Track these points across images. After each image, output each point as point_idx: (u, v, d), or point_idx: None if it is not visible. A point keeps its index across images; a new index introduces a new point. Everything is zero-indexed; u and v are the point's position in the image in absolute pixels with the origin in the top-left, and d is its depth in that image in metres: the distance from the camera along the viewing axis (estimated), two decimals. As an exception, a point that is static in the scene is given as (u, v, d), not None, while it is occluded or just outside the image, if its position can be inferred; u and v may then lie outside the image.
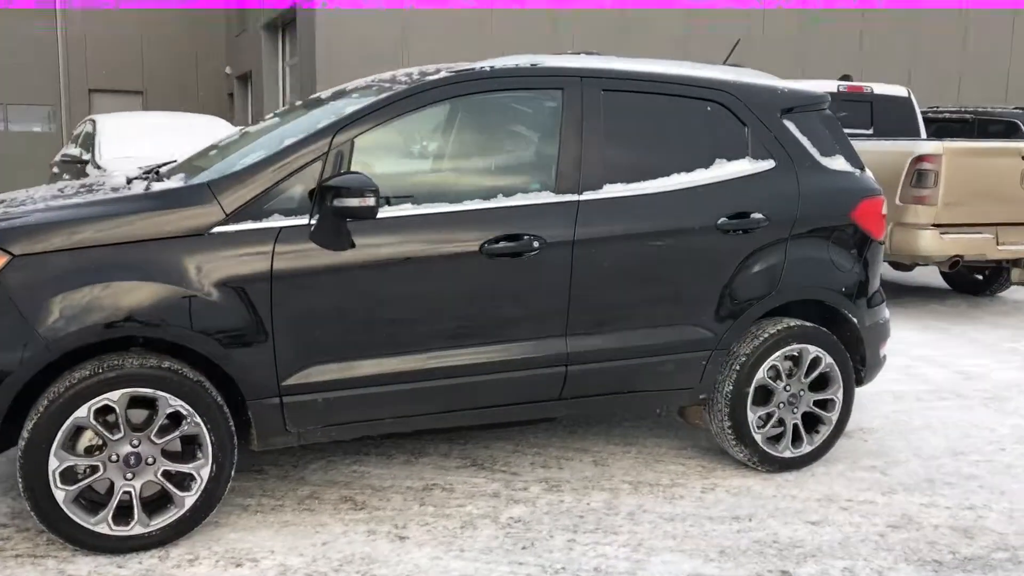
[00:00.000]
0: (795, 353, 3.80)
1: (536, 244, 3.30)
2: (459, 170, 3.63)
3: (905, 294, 8.40)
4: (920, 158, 6.99)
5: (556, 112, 3.45)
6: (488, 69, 3.45)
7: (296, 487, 3.54)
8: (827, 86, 8.91)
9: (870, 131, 9.02)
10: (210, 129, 9.18)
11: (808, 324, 3.81)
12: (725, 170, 3.66)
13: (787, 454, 3.84)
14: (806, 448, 3.87)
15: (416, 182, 3.46)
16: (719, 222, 3.59)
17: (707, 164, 3.65)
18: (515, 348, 3.34)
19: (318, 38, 14.14)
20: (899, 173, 7.08)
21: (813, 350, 3.81)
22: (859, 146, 7.93)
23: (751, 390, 3.73)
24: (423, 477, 3.66)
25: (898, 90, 9.28)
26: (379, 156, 3.35)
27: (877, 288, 4.06)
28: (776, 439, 3.84)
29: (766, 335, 3.73)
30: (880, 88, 9.16)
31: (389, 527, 3.22)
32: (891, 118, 9.12)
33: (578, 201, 3.40)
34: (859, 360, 3.98)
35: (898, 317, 7.11)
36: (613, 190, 3.47)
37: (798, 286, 3.78)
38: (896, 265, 7.90)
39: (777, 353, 3.75)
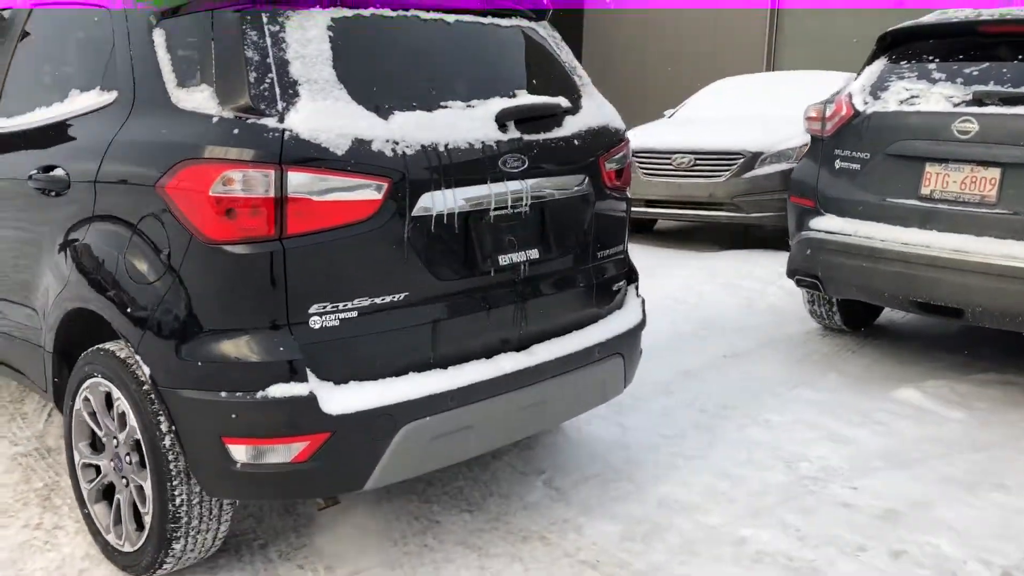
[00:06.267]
0: (104, 392, 2.43)
1: None
2: None
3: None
4: None
5: None
6: None
7: None
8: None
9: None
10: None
11: (112, 348, 2.36)
12: (70, 107, 2.81)
13: (127, 548, 2.51)
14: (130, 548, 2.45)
15: None
16: (31, 174, 2.79)
17: (63, 97, 2.87)
18: None
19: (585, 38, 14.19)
20: None
21: (118, 395, 2.37)
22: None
23: (72, 418, 2.61)
24: None
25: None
26: None
27: (270, 325, 2.15)
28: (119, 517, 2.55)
29: (87, 353, 2.53)
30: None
31: None
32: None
33: None
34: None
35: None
36: None
37: (83, 289, 2.47)
38: None
39: (88, 383, 2.50)
